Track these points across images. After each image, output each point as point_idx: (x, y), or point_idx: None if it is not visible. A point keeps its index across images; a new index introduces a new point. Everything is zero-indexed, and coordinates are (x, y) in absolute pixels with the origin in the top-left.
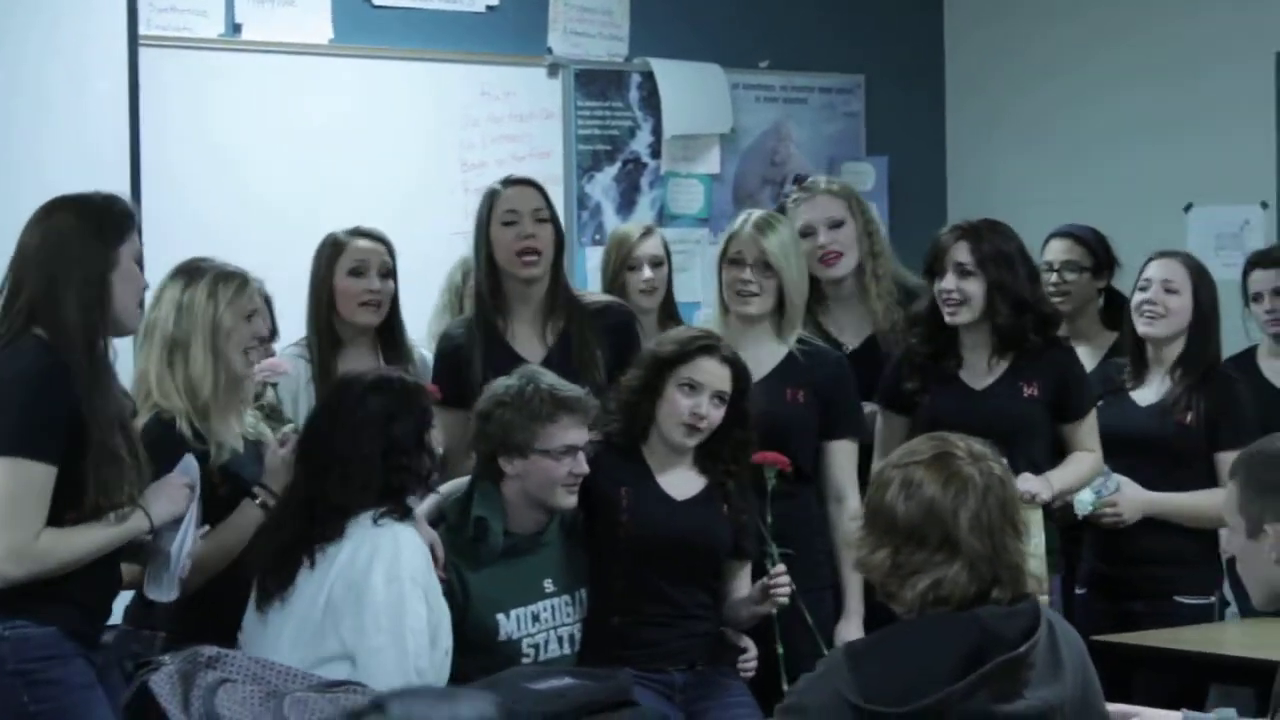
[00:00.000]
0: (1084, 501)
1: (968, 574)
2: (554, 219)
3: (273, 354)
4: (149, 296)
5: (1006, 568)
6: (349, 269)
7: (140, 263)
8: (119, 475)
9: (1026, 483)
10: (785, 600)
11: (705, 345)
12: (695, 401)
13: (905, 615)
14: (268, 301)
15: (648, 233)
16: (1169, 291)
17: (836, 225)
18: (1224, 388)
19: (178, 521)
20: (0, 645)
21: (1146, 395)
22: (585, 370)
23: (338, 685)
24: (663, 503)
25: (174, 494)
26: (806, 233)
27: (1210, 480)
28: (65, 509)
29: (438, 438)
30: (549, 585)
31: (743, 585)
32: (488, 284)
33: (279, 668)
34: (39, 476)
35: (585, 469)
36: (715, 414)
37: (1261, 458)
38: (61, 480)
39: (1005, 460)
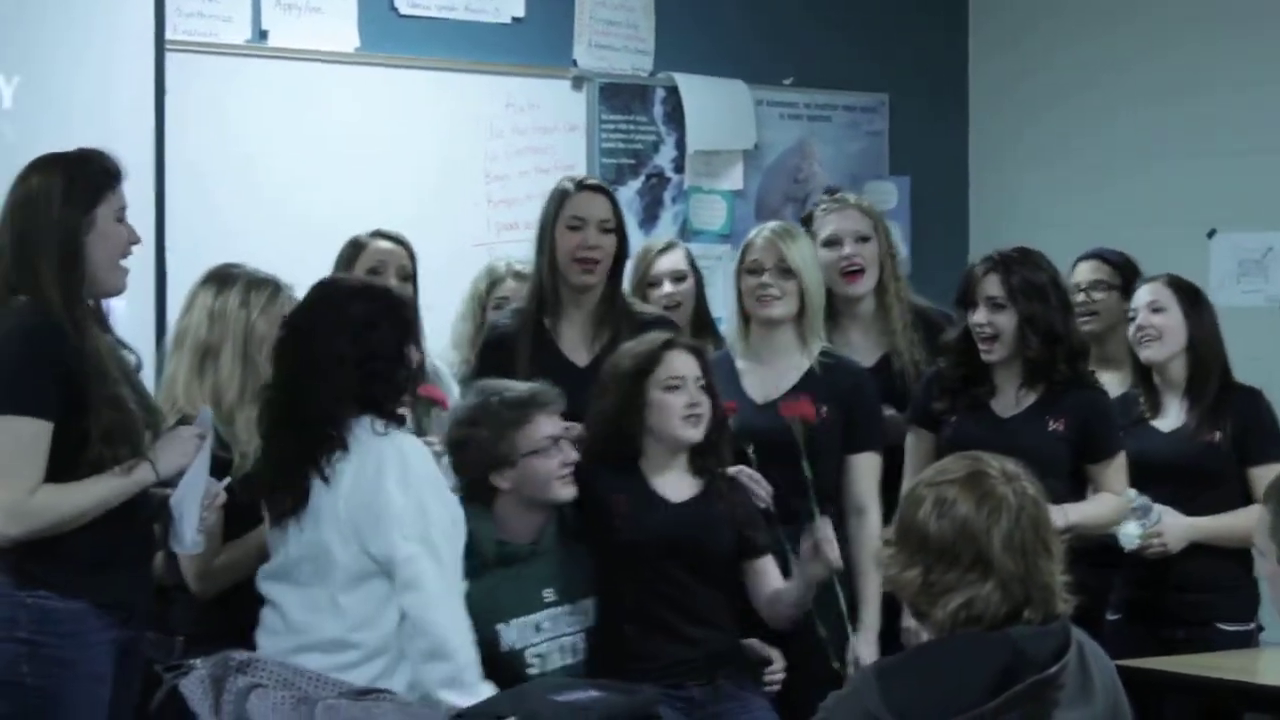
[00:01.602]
0: (1130, 535)
1: (1000, 594)
2: (619, 229)
3: None
4: (179, 302)
5: (1039, 588)
6: (367, 270)
7: (122, 218)
8: (124, 425)
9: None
10: (836, 559)
11: (667, 342)
12: (686, 395)
13: (936, 634)
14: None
15: (668, 248)
16: (1155, 311)
17: (863, 240)
18: (1248, 402)
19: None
20: (19, 610)
21: (1167, 422)
22: None
23: (368, 693)
24: (658, 506)
25: (182, 445)
26: (832, 242)
27: (1245, 499)
28: (73, 464)
29: (416, 355)
30: (549, 594)
31: (771, 579)
32: (545, 282)
33: (309, 674)
34: (31, 431)
35: (574, 455)
36: (705, 400)
37: None
38: (66, 435)
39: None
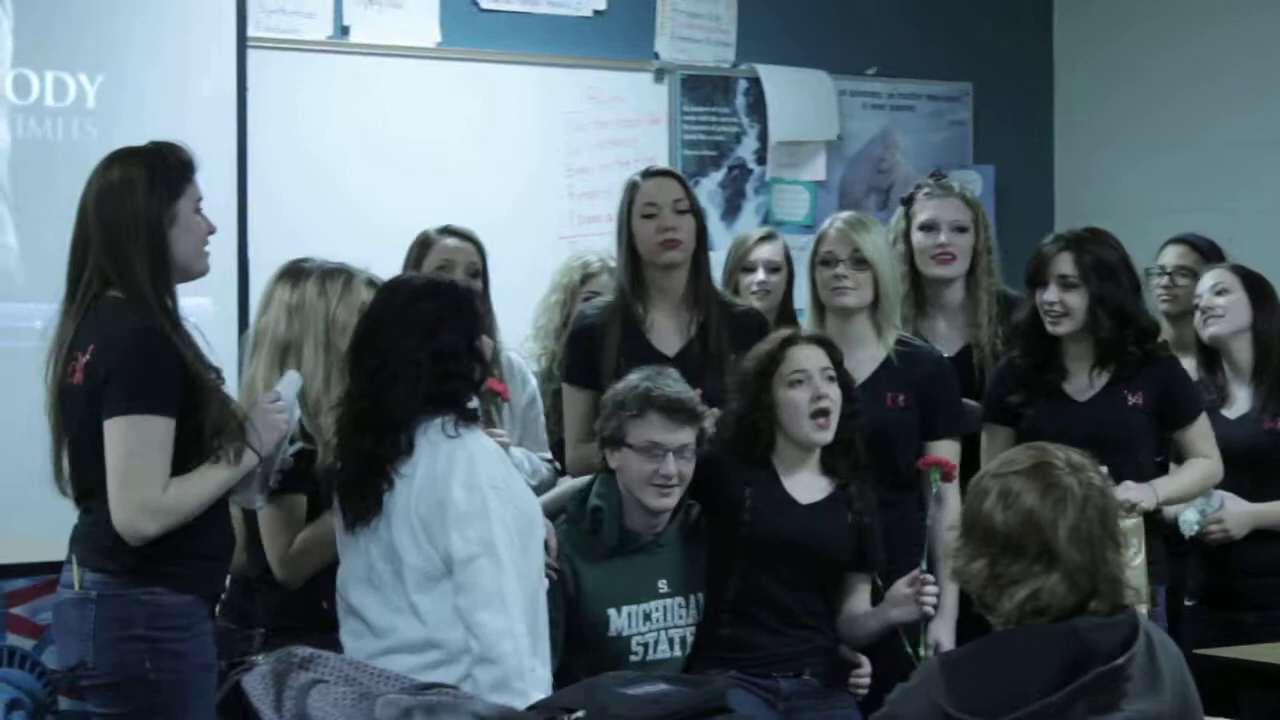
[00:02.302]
0: (1189, 521)
1: (1066, 585)
2: (695, 209)
3: None
4: (256, 301)
5: (1105, 579)
6: (435, 267)
7: (199, 209)
8: (231, 417)
9: (1127, 491)
10: (931, 609)
11: (787, 338)
12: (811, 389)
13: (1002, 626)
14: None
15: (767, 237)
16: (1218, 293)
17: (960, 230)
18: None
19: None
20: (134, 608)
21: (1234, 410)
22: (714, 369)
23: (430, 688)
24: (786, 505)
25: (272, 419)
26: (928, 227)
27: None
28: (188, 458)
29: (488, 344)
30: (663, 585)
31: (862, 602)
32: (629, 275)
33: (372, 669)
34: (159, 430)
35: (673, 470)
36: (834, 392)
37: None
38: (182, 430)
39: (1105, 470)
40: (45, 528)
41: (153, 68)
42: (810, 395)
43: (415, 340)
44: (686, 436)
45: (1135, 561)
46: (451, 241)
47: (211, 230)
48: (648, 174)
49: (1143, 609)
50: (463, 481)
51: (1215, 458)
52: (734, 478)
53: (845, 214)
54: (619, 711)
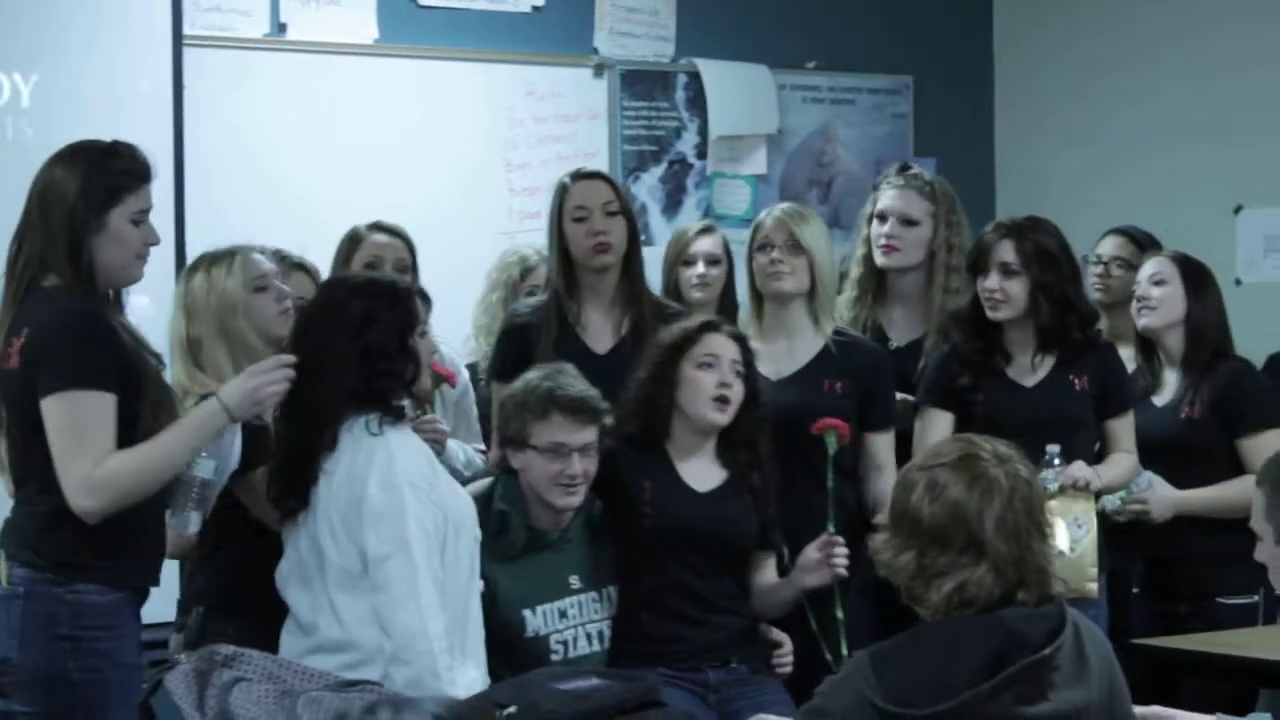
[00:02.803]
0: (1110, 499)
1: (993, 576)
2: (625, 210)
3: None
4: None
5: (1032, 570)
6: (364, 263)
7: (140, 220)
8: (168, 399)
9: (1080, 470)
10: (843, 571)
11: (709, 323)
12: (718, 375)
13: (930, 617)
14: (311, 273)
15: (705, 230)
16: (1156, 283)
17: (909, 223)
18: (1230, 375)
19: (217, 450)
20: (59, 606)
21: (1163, 396)
22: None
23: (353, 685)
24: (685, 494)
25: (254, 380)
26: (880, 216)
27: (1236, 470)
28: (130, 441)
29: (427, 345)
30: (575, 581)
31: (768, 575)
32: (561, 275)
33: (296, 666)
34: (97, 404)
35: (578, 469)
36: (739, 385)
37: None
38: (120, 411)
39: (1058, 448)
40: None
41: (88, 66)
42: (716, 380)
43: (345, 337)
44: (590, 435)
45: (1086, 539)
46: (380, 238)
47: (152, 242)
48: (577, 176)
49: (1092, 586)
50: (380, 480)
51: (1134, 454)
52: (631, 470)
53: (784, 205)
54: (550, 706)
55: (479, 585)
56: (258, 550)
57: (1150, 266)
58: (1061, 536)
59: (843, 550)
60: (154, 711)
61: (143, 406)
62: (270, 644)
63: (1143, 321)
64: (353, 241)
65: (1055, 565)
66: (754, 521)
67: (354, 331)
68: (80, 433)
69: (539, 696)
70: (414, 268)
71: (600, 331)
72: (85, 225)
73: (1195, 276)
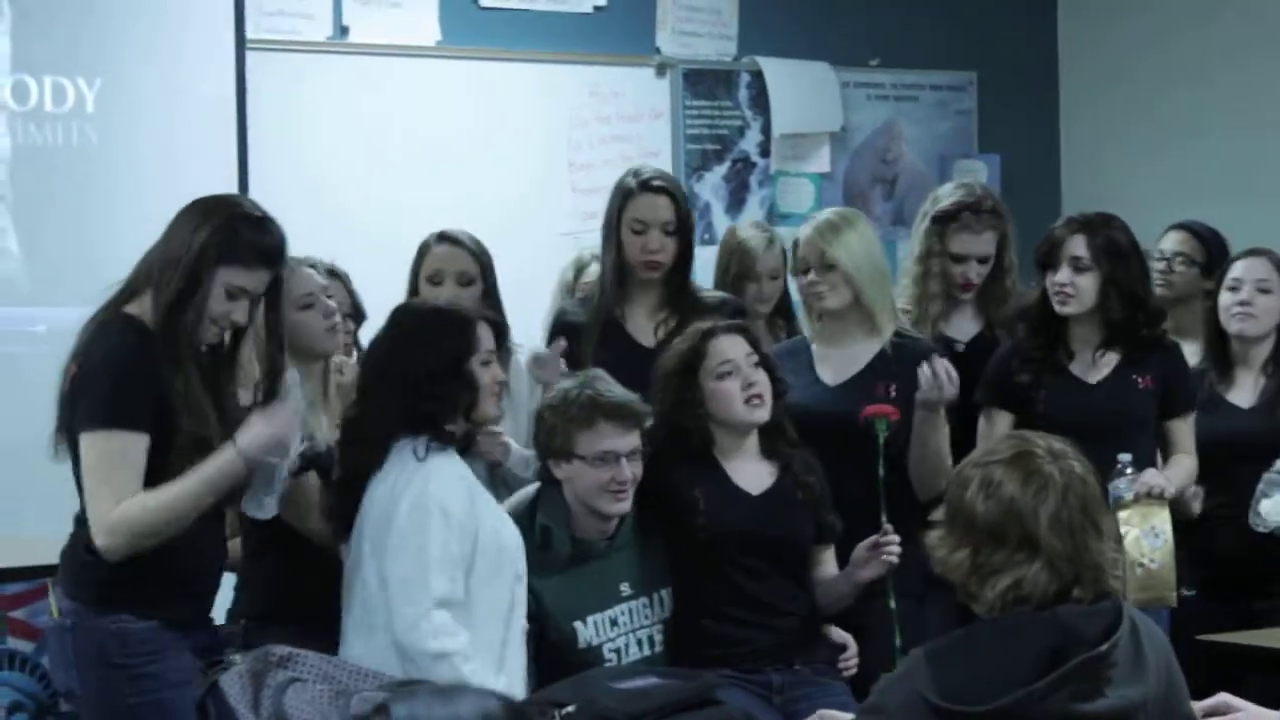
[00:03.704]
0: (1277, 511)
1: (1048, 573)
2: (682, 230)
3: (352, 331)
4: None
5: (1088, 567)
6: (426, 277)
7: (234, 294)
8: (205, 446)
9: (1154, 478)
10: (895, 560)
11: (705, 331)
12: (741, 377)
13: (986, 615)
14: (343, 279)
15: (771, 244)
16: (1262, 291)
17: (985, 261)
18: None
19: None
20: (106, 638)
21: (1242, 397)
22: None
23: (408, 684)
24: (739, 500)
25: (267, 419)
26: (958, 260)
27: None
28: (157, 482)
29: (494, 373)
30: (625, 589)
31: (829, 569)
32: (613, 273)
33: (350, 667)
34: (129, 445)
35: (628, 475)
36: (762, 376)
37: None
38: (150, 456)
39: (1129, 457)
40: (42, 531)
41: (151, 71)
42: (741, 383)
43: (400, 361)
44: (636, 439)
45: (1164, 549)
46: (441, 249)
47: (237, 319)
48: (645, 185)
49: (1171, 595)
50: (412, 501)
51: (1194, 457)
52: (682, 479)
53: (820, 217)
54: (609, 704)
55: (522, 623)
56: (298, 563)
57: (1255, 269)
58: (1140, 547)
59: (895, 540)
60: (209, 712)
61: (175, 450)
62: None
63: (1238, 326)
64: (421, 253)
65: (1134, 574)
66: (809, 520)
67: (406, 356)
68: (108, 472)
69: (597, 694)
70: (485, 277)
71: (643, 326)
72: (190, 267)
73: None
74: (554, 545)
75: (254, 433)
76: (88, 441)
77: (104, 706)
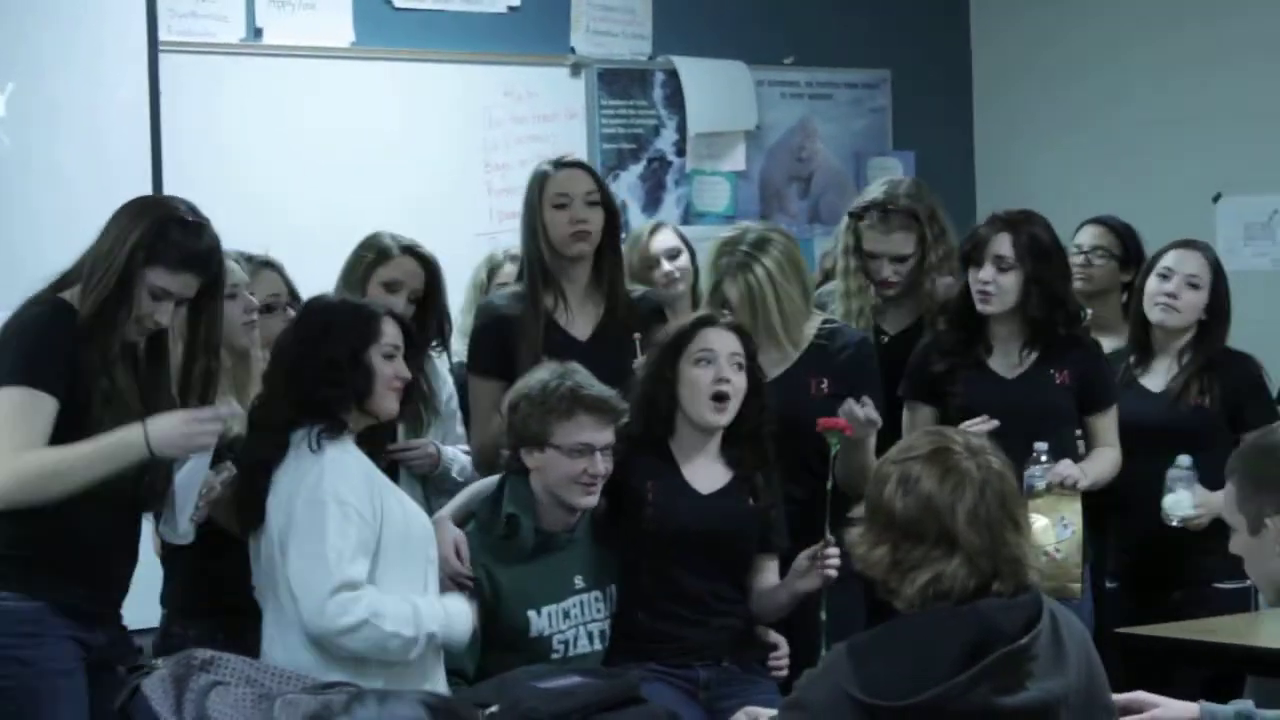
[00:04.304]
0: (1183, 503)
1: (967, 568)
2: (605, 202)
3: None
4: None
5: (1006, 561)
6: (382, 284)
7: (158, 295)
8: (117, 420)
9: (1068, 469)
10: (834, 574)
11: (704, 318)
12: (715, 370)
13: (906, 611)
14: (278, 269)
15: (656, 228)
16: (1192, 286)
17: (900, 260)
18: (1240, 368)
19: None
20: None
21: (1154, 381)
22: (623, 351)
23: (329, 686)
24: (688, 496)
25: (189, 429)
26: (873, 256)
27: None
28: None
29: (396, 368)
30: (579, 581)
31: (769, 578)
32: (537, 265)
33: (273, 670)
34: (37, 403)
35: (601, 469)
36: (738, 379)
37: (1255, 453)
38: (62, 425)
39: (1044, 446)
40: None
41: (65, 74)
42: (712, 376)
43: (297, 348)
44: (611, 435)
45: (1072, 540)
46: (410, 264)
47: (160, 320)
48: (559, 164)
49: (1076, 586)
50: (306, 495)
51: (1118, 447)
52: (636, 471)
53: (728, 257)
54: (533, 704)
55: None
56: (217, 551)
57: (1187, 263)
58: (1047, 536)
59: (835, 554)
60: (131, 716)
61: (87, 424)
62: (232, 644)
63: (1159, 316)
64: (380, 255)
65: (1039, 562)
66: (755, 524)
67: (308, 344)
68: (10, 425)
69: (521, 695)
70: (436, 291)
71: (579, 319)
72: (120, 266)
73: (1221, 275)
74: (520, 534)
75: (167, 421)
76: None
77: None
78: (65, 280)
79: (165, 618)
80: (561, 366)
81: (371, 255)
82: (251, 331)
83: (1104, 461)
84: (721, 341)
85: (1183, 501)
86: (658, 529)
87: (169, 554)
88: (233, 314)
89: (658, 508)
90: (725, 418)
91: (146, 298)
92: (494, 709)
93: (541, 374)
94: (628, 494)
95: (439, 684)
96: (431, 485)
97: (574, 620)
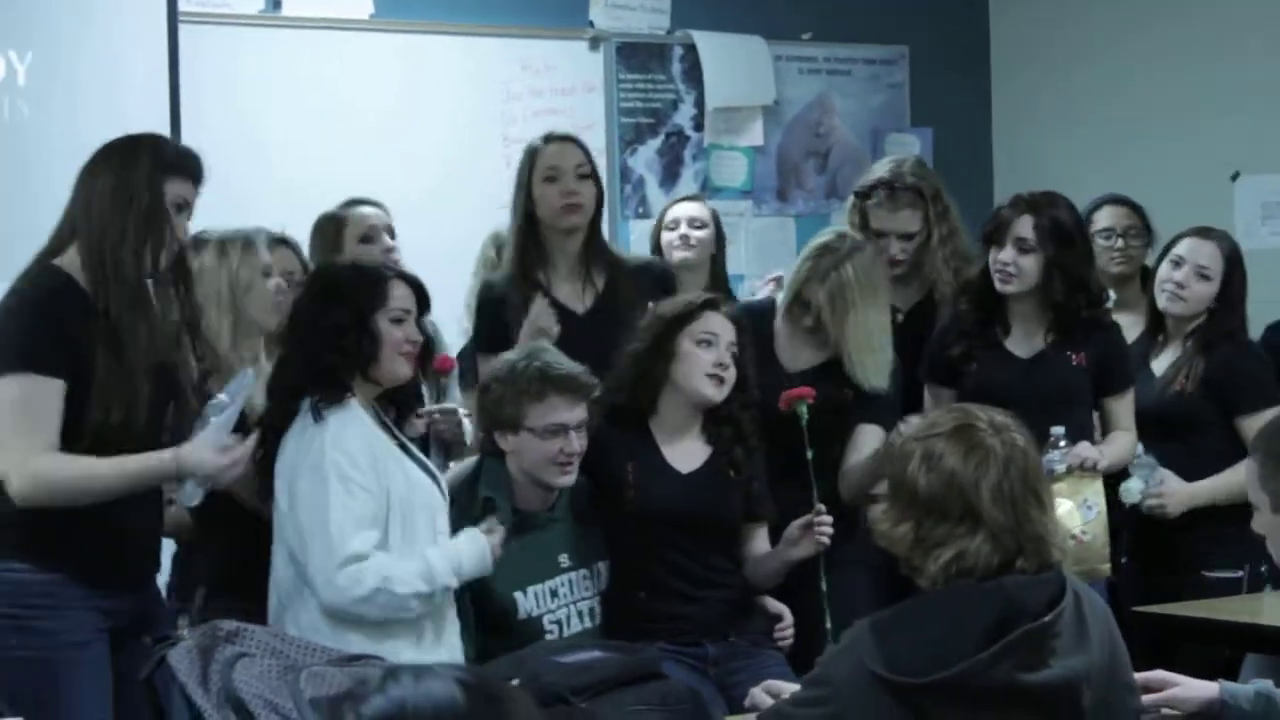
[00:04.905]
0: (1132, 490)
1: (990, 545)
2: (595, 175)
3: None
4: None
5: (1030, 538)
6: (358, 238)
7: (181, 207)
8: (124, 400)
9: (1086, 450)
10: (826, 541)
11: (710, 300)
12: (715, 354)
13: (929, 588)
14: (294, 247)
15: (690, 197)
16: (1202, 277)
17: (908, 238)
18: (1229, 353)
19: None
20: None
21: (1161, 366)
22: (625, 323)
23: (357, 659)
24: (668, 476)
25: (219, 457)
26: (880, 235)
27: (1230, 446)
28: (73, 430)
29: (407, 331)
30: (564, 560)
31: (760, 545)
32: (529, 239)
33: (299, 641)
34: (43, 389)
35: (576, 448)
36: (733, 368)
37: (1278, 431)
38: (67, 399)
39: (1062, 430)
40: None
41: (84, 43)
42: (714, 359)
43: (310, 316)
44: (584, 411)
45: (1097, 521)
46: (367, 210)
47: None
48: (549, 139)
49: (1105, 567)
50: (309, 468)
51: (1134, 432)
52: (615, 452)
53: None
54: (552, 679)
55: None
56: (257, 529)
57: (1200, 253)
58: (1073, 520)
59: (827, 521)
60: (157, 688)
61: (92, 395)
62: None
63: (1166, 303)
64: (337, 223)
65: (1066, 545)
66: (737, 497)
67: (316, 311)
68: (20, 418)
69: (540, 669)
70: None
71: (573, 293)
72: (143, 195)
73: (1237, 265)
74: (497, 516)
75: (199, 454)
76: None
77: None
78: (54, 248)
79: (204, 597)
80: (530, 346)
81: (329, 229)
82: (278, 315)
83: (1120, 445)
84: (724, 328)
85: (1132, 488)
86: (640, 510)
87: (206, 530)
88: (265, 295)
89: (639, 489)
90: (720, 394)
91: (174, 213)
92: (514, 683)
93: (510, 355)
94: (607, 474)
95: (453, 647)
96: (456, 457)
97: (562, 599)
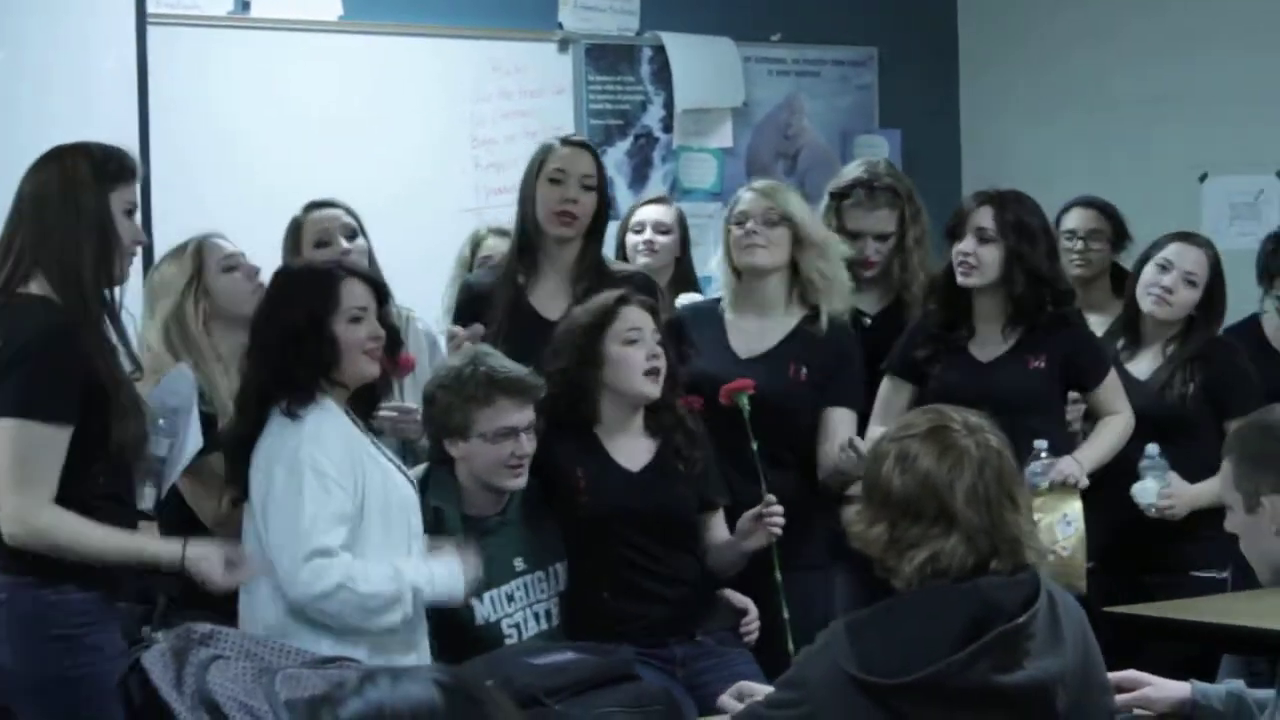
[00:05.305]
0: (1149, 490)
1: (965, 546)
2: (600, 188)
3: None
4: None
5: (1005, 540)
6: (313, 244)
7: (131, 213)
8: (132, 430)
9: (1069, 467)
10: (778, 531)
11: (622, 297)
12: (645, 348)
13: (904, 589)
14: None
15: (657, 200)
16: (1189, 283)
17: (883, 238)
18: (1225, 358)
19: (173, 429)
20: (47, 609)
21: (1140, 368)
22: None
23: (331, 661)
24: (619, 476)
25: (221, 556)
26: (855, 236)
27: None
28: (89, 462)
29: (369, 329)
30: (519, 564)
31: (719, 533)
32: (522, 239)
33: (273, 644)
34: (47, 438)
35: (526, 450)
36: (663, 354)
37: (1252, 431)
38: (81, 436)
39: (1045, 444)
40: None
41: (53, 44)
42: (645, 353)
43: (268, 322)
44: (532, 414)
45: (1075, 536)
46: (318, 214)
47: (140, 241)
48: (565, 141)
49: (1081, 583)
50: (284, 466)
51: (1127, 411)
52: (564, 458)
53: (763, 180)
54: (526, 681)
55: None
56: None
57: (1188, 259)
58: (1052, 535)
59: (778, 511)
60: (131, 690)
61: (112, 417)
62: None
63: (1151, 307)
64: (296, 228)
65: (1045, 561)
66: (691, 491)
67: (273, 317)
68: (20, 464)
69: (513, 671)
70: (362, 229)
71: (552, 298)
72: (108, 208)
73: (1219, 272)
74: (446, 526)
75: (209, 555)
76: (10, 428)
77: (41, 681)
78: (21, 275)
79: (164, 604)
80: (476, 350)
81: (289, 234)
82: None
83: (1107, 435)
84: (644, 319)
85: (1149, 489)
86: (594, 514)
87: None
88: (237, 286)
89: (591, 494)
90: (658, 388)
91: (124, 220)
92: (488, 684)
93: (454, 361)
94: (557, 476)
95: (423, 652)
96: (410, 451)
97: (519, 603)
